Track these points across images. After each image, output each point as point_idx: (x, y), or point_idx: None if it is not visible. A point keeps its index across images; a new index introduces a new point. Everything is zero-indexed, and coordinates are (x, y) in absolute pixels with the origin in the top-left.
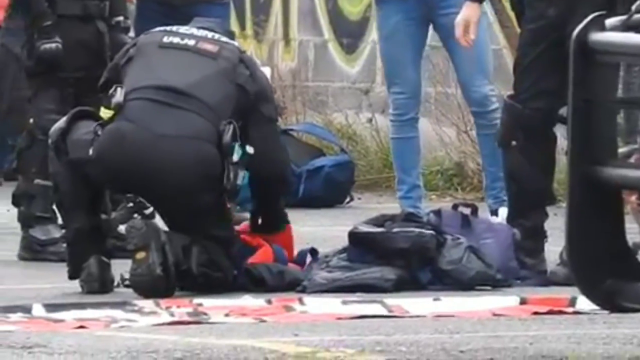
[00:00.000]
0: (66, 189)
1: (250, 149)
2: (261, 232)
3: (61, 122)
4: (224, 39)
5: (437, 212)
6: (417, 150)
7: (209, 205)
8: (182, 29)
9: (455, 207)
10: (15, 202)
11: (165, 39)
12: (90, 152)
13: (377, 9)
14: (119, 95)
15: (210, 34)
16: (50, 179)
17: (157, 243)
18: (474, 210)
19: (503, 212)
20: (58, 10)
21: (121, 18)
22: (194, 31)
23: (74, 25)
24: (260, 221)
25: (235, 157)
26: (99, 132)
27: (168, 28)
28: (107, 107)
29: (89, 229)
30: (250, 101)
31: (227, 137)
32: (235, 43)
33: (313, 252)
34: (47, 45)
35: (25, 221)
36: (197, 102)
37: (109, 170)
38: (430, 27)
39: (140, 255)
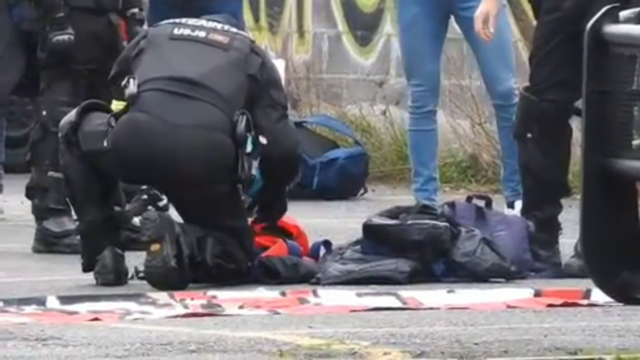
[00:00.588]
0: (78, 181)
1: (263, 140)
2: (261, 220)
3: (71, 115)
4: (234, 29)
5: (451, 204)
6: (435, 143)
7: (223, 195)
8: (192, 21)
9: (469, 199)
10: (29, 194)
11: (176, 31)
12: (105, 143)
13: (397, 0)
14: (132, 86)
15: (219, 25)
16: (61, 172)
17: (171, 235)
18: (488, 203)
19: (519, 204)
20: (71, 2)
21: (136, 10)
22: (204, 23)
23: (86, 17)
24: (260, 206)
25: (249, 148)
26: (113, 123)
27: (177, 20)
28: (119, 99)
29: (102, 221)
30: (260, 88)
31: (241, 127)
32: (245, 33)
33: (327, 244)
34: (60, 37)
35: (39, 214)
36: (211, 93)
37: (124, 161)
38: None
39: (155, 247)
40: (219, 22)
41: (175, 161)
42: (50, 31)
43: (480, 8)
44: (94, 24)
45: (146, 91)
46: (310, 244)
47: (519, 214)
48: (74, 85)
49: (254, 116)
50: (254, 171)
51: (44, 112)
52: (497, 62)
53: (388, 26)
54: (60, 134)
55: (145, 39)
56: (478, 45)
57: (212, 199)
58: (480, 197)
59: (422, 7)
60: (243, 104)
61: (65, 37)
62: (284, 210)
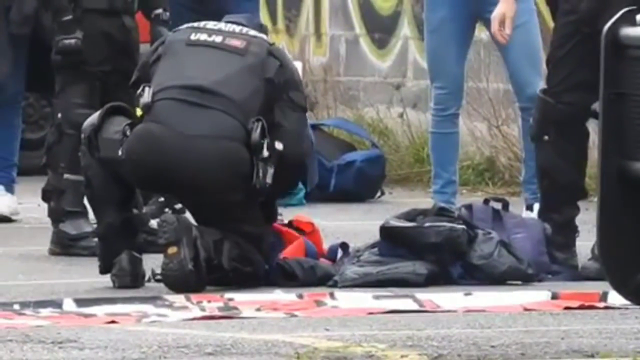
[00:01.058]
0: (98, 184)
1: (279, 145)
2: None
3: (94, 117)
4: (252, 32)
5: (469, 207)
6: (456, 146)
7: (238, 203)
8: (210, 25)
9: (486, 201)
10: (45, 197)
11: (193, 36)
12: (120, 152)
13: (425, 2)
14: (146, 95)
15: (238, 29)
16: (81, 173)
17: (188, 238)
18: (505, 205)
19: (538, 207)
20: (83, 4)
21: (160, 10)
22: (222, 26)
23: (98, 18)
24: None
25: (266, 154)
26: (128, 133)
27: (196, 24)
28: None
29: (120, 224)
30: (279, 90)
31: (256, 135)
32: (264, 36)
33: (344, 246)
34: (66, 41)
35: (56, 216)
36: (224, 100)
37: (138, 171)
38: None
39: (172, 250)
40: (239, 24)
41: (188, 171)
42: (58, 34)
43: (497, 9)
44: (105, 25)
45: (160, 100)
46: (326, 246)
47: (536, 217)
48: (88, 87)
49: (273, 116)
50: (269, 179)
51: (59, 115)
52: (527, 66)
53: (405, 29)
54: (82, 136)
55: (163, 45)
56: (507, 48)
57: (227, 207)
58: (497, 200)
59: (451, 10)
60: (259, 110)
61: (72, 41)
62: (274, 219)
